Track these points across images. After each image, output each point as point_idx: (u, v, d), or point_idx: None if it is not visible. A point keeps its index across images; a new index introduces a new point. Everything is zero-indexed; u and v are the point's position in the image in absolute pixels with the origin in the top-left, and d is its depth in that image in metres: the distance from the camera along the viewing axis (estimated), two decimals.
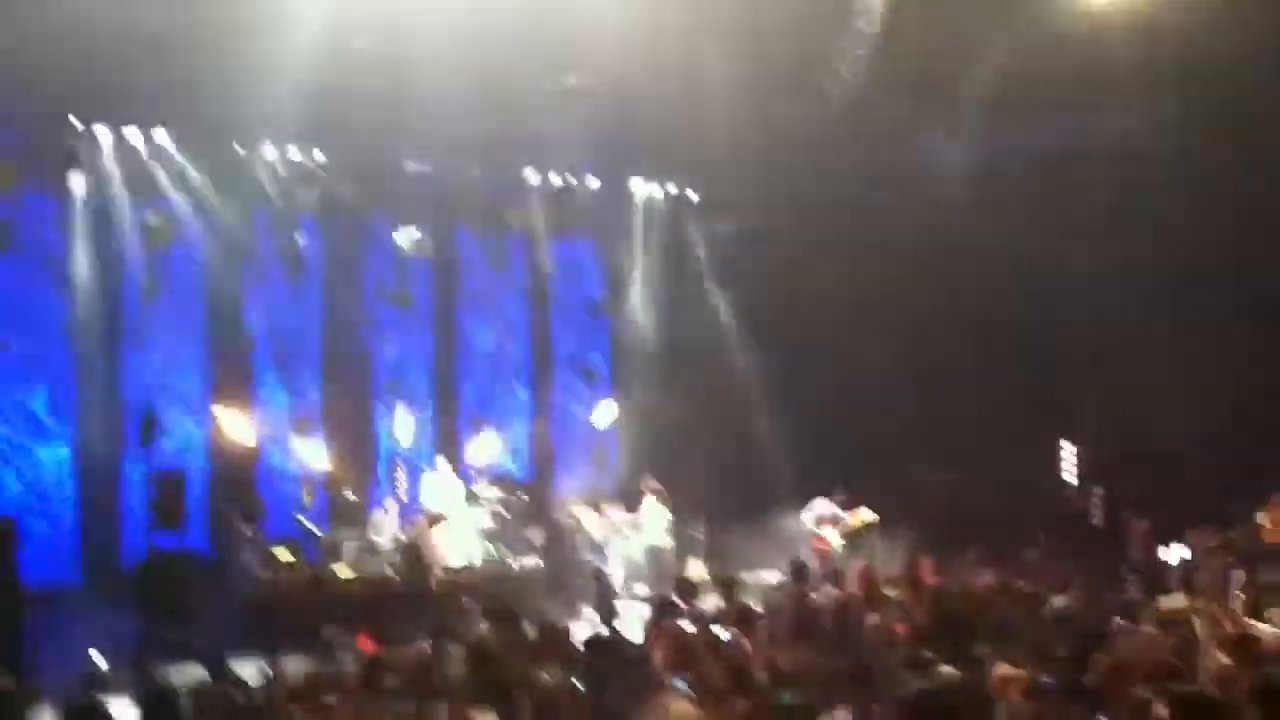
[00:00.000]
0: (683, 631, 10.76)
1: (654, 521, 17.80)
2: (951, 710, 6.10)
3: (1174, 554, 13.92)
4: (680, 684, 7.62)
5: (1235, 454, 16.32)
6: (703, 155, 18.79)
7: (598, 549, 16.96)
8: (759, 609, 12.03)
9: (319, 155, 18.37)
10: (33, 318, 17.20)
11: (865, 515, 17.18)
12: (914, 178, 18.58)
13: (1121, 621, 9.74)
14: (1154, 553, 14.04)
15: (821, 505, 17.35)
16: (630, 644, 11.11)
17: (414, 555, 15.61)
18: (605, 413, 20.39)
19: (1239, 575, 10.81)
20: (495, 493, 17.92)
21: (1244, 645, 8.16)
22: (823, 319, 19.27)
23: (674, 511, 17.86)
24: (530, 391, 21.73)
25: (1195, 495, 16.02)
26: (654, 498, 17.88)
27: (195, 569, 15.37)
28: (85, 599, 15.75)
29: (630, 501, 18.33)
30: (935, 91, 16.99)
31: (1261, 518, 14.98)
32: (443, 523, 16.16)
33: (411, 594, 15.21)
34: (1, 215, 16.33)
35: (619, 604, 12.86)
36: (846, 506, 17.33)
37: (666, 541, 17.71)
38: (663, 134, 18.42)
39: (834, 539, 17.15)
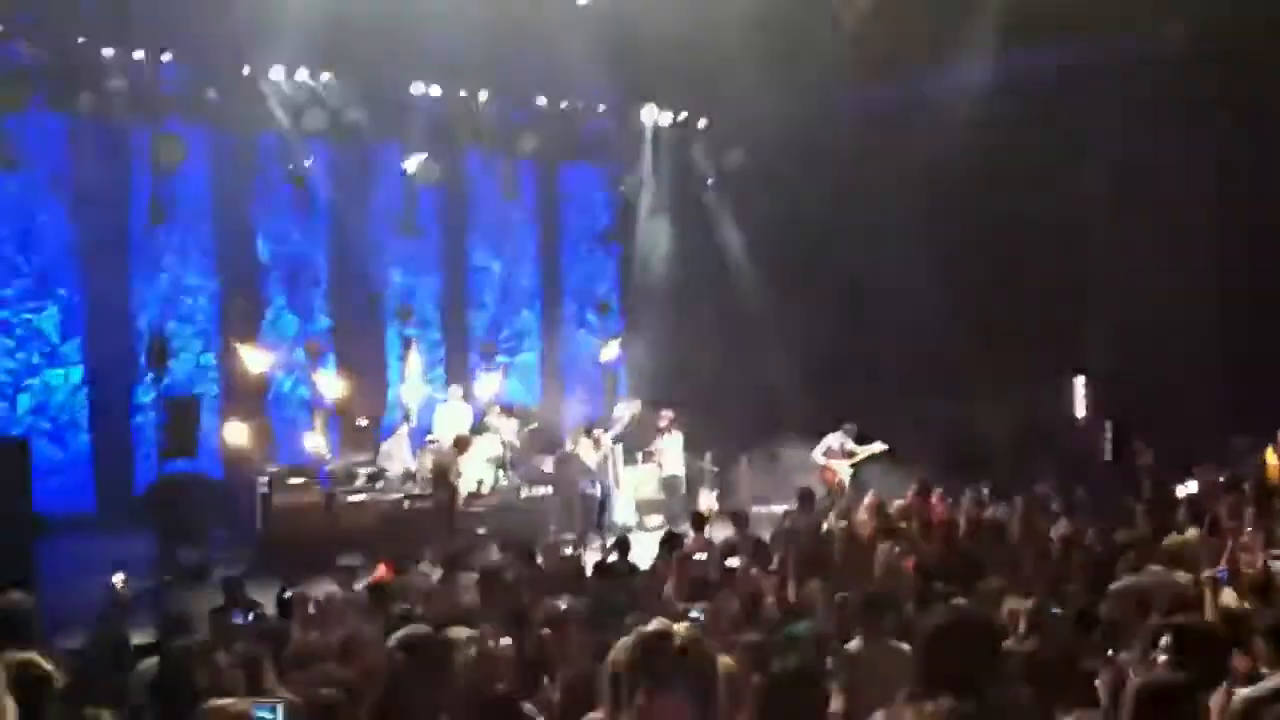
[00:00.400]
0: (695, 562, 10.84)
1: (670, 453, 17.83)
2: (963, 643, 6.10)
3: (1183, 489, 13.91)
4: (695, 614, 7.66)
5: (1245, 389, 16.29)
6: (713, 82, 18.61)
7: (598, 478, 16.86)
8: (770, 541, 12.13)
9: (327, 79, 18.19)
10: (42, 238, 17.19)
11: (875, 446, 17.21)
12: (925, 105, 18.37)
13: (1131, 556, 9.77)
14: (1163, 488, 14.04)
15: (832, 439, 17.37)
16: (641, 573, 11.21)
17: (443, 476, 15.54)
18: (609, 350, 20.34)
19: (1250, 512, 10.80)
20: (505, 421, 17.93)
21: (1256, 581, 8.19)
22: (832, 249, 19.17)
23: (686, 443, 17.89)
24: (540, 320, 21.70)
25: (1204, 431, 16.03)
26: (669, 429, 17.89)
27: (208, 494, 15.46)
28: (98, 524, 15.87)
29: (644, 433, 18.37)
30: (948, 13, 16.73)
31: (1269, 454, 15.00)
32: (469, 446, 16.11)
33: (438, 515, 15.19)
34: (11, 134, 16.21)
35: (630, 535, 12.90)
36: (856, 440, 17.35)
37: (681, 472, 17.76)
38: (673, 60, 18.20)
39: (843, 471, 17.20)
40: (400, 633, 4.30)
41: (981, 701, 4.55)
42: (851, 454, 17.30)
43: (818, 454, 17.34)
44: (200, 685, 5.31)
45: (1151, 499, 13.22)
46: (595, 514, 16.30)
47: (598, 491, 16.53)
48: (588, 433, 16.90)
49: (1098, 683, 5.69)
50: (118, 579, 8.87)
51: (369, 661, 6.87)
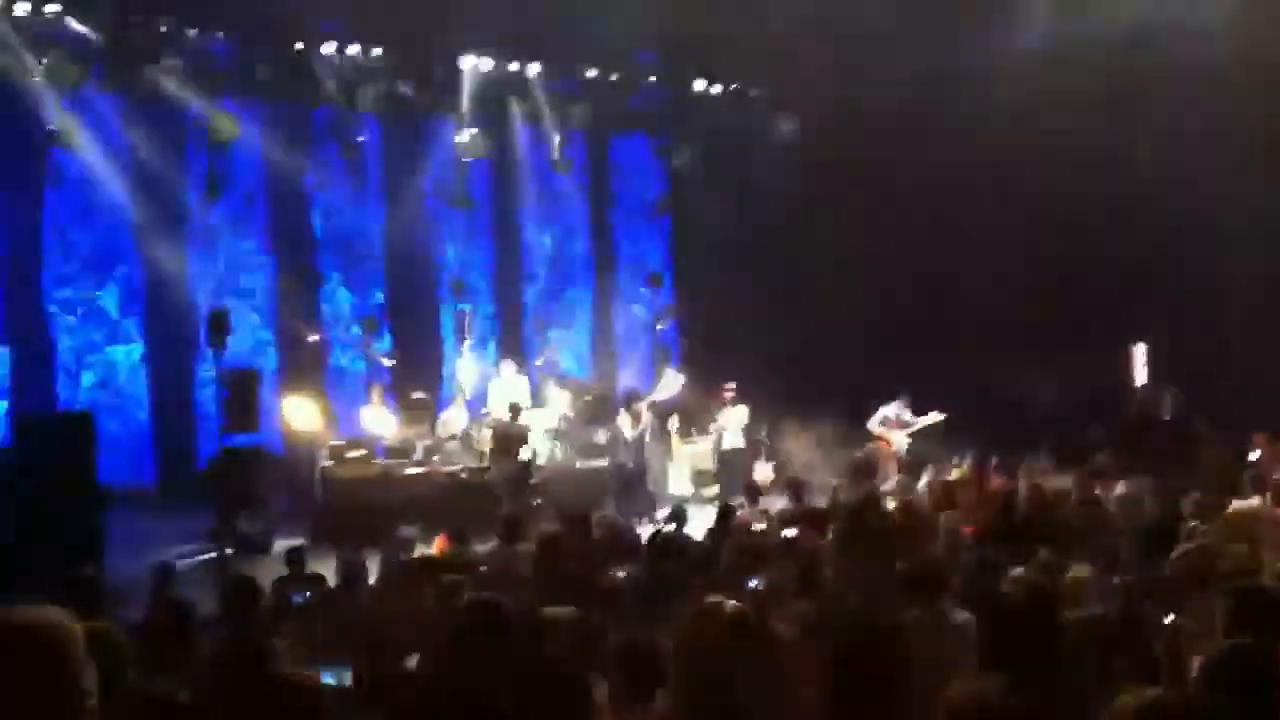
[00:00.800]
0: (751, 533, 10.84)
1: (732, 426, 17.76)
2: (1024, 614, 6.08)
3: (1246, 457, 13.75)
4: (753, 583, 7.66)
5: None
6: (765, 50, 18.48)
7: (633, 452, 16.79)
8: (826, 511, 12.09)
9: (379, 53, 18.25)
10: (101, 216, 17.40)
11: (931, 417, 17.12)
12: (982, 74, 18.14)
13: (1193, 523, 9.67)
14: (1225, 455, 13.87)
15: (888, 409, 17.30)
16: (696, 544, 11.22)
17: (508, 444, 15.59)
18: (661, 322, 20.26)
19: None
20: (559, 393, 18.00)
21: None
22: (887, 218, 19.02)
23: (745, 414, 17.82)
24: (592, 292, 21.72)
25: (1268, 399, 15.80)
26: (731, 402, 17.81)
27: (268, 466, 15.65)
28: (159, 498, 16.12)
29: (696, 406, 18.37)
30: None
31: None
32: (520, 414, 16.15)
33: (506, 485, 15.28)
34: (69, 112, 16.41)
35: (686, 506, 12.90)
36: (913, 410, 17.26)
37: (740, 444, 17.66)
38: (725, 28, 18.10)
39: (899, 441, 17.12)
40: (465, 598, 4.36)
41: (1042, 676, 4.55)
42: (908, 424, 17.22)
43: (874, 423, 17.28)
44: (264, 655, 5.37)
45: (1213, 467, 13.07)
46: (633, 487, 16.25)
47: (632, 464, 16.45)
48: (628, 406, 16.85)
49: (1157, 650, 5.64)
50: (171, 553, 9.02)
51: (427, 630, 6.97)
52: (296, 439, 16.65)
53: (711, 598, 3.94)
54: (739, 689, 3.64)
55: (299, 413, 16.52)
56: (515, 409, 15.96)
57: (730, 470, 17.24)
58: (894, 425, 17.24)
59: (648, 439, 16.85)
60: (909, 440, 17.17)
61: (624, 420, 16.65)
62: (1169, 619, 6.49)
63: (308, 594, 6.23)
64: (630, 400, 16.78)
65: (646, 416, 17.06)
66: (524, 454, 15.71)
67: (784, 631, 5.57)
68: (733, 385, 17.71)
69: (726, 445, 17.63)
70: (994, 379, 17.88)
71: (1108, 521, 10.74)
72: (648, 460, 16.72)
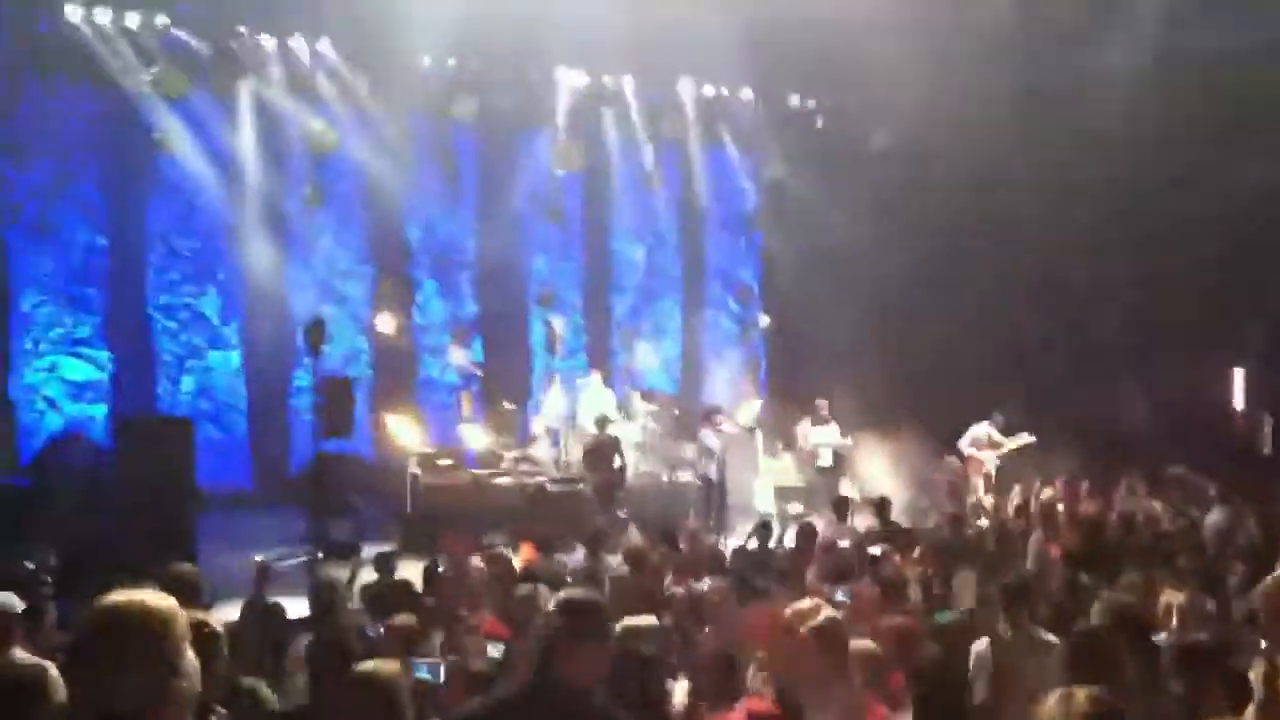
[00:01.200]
0: (837, 548, 10.80)
1: (821, 442, 17.56)
2: (1113, 638, 6.01)
3: None
4: (840, 596, 7.64)
5: None
6: (858, 65, 18.38)
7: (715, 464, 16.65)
8: (913, 528, 12.02)
9: (475, 65, 18.47)
10: (202, 222, 17.79)
11: (1022, 438, 16.88)
12: (1074, 91, 17.90)
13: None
14: None
15: (979, 429, 17.10)
16: (781, 557, 11.21)
17: (599, 455, 15.62)
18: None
19: None
20: (646, 406, 18.03)
21: None
22: (980, 235, 18.82)
23: (836, 432, 17.64)
24: (681, 306, 21.75)
25: None
26: (826, 419, 17.57)
27: (360, 473, 15.86)
28: (254, 501, 16.40)
29: (787, 421, 18.27)
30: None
31: None
32: (607, 426, 16.16)
33: (598, 495, 15.34)
34: (174, 120, 16.82)
35: (771, 521, 12.88)
36: (1004, 430, 17.04)
37: (829, 463, 17.44)
38: (818, 43, 18.04)
39: (990, 462, 16.91)
40: (561, 595, 4.41)
41: (1129, 695, 4.50)
42: (998, 445, 17.01)
43: (965, 443, 17.10)
44: (354, 655, 5.47)
45: None
46: (713, 499, 16.15)
47: (714, 474, 16.32)
48: (708, 420, 16.66)
49: (1250, 676, 5.51)
50: (260, 557, 9.19)
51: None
52: (393, 452, 16.83)
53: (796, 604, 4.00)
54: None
55: (402, 431, 16.74)
56: (603, 421, 15.99)
57: (820, 487, 17.09)
58: (984, 445, 17.04)
59: (729, 455, 16.75)
60: (999, 461, 16.95)
61: (706, 435, 16.52)
62: (1264, 646, 6.36)
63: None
64: (710, 415, 16.62)
65: (729, 431, 16.98)
66: (616, 464, 15.68)
67: (869, 645, 5.54)
68: (825, 403, 17.50)
69: (821, 462, 17.37)
70: (1089, 400, 17.61)
71: (1202, 546, 10.56)
72: (728, 476, 16.53)
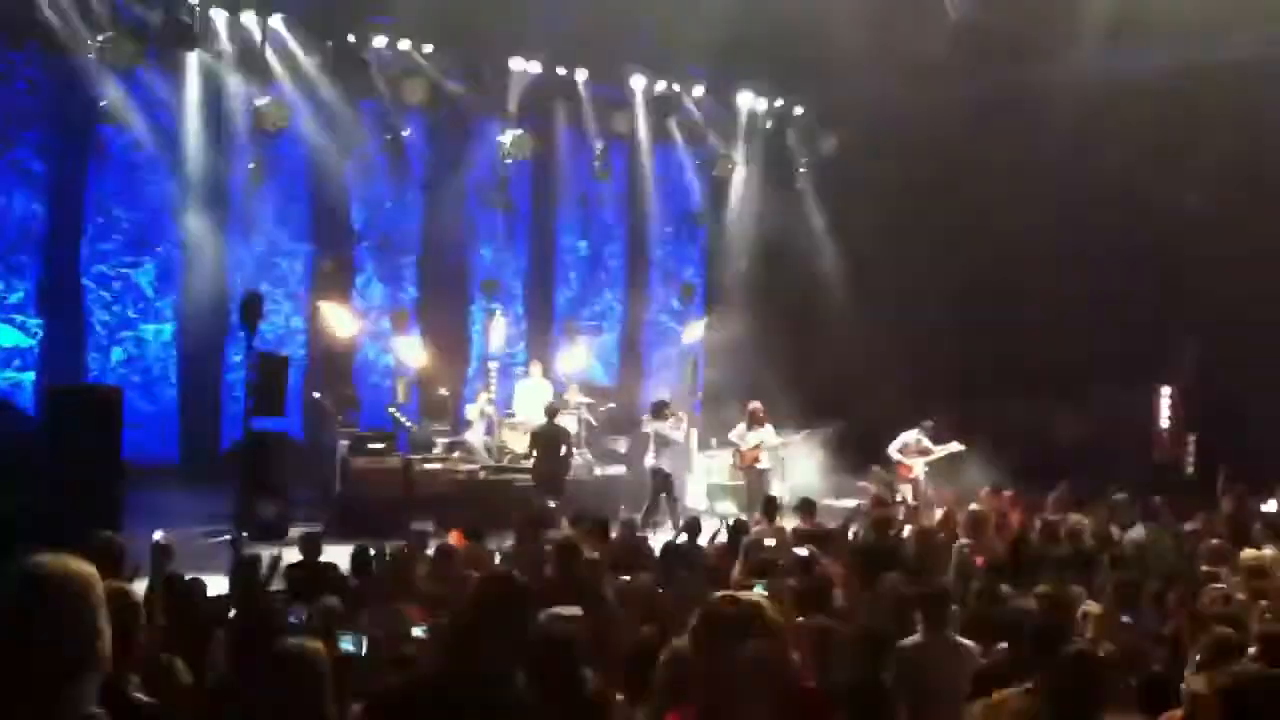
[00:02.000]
0: (765, 547, 10.88)
1: (758, 443, 17.57)
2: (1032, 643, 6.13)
3: (1266, 506, 13.72)
4: (759, 588, 7.71)
5: None
6: (811, 68, 18.54)
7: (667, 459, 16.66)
8: (842, 532, 12.13)
9: (429, 50, 18.39)
10: (144, 194, 17.58)
11: (951, 446, 17.06)
12: (1024, 103, 18.13)
13: (1207, 569, 9.67)
14: (1244, 503, 13.83)
15: (909, 435, 17.25)
16: (708, 554, 11.27)
17: (548, 444, 15.57)
18: (692, 332, 20.29)
19: None
20: (583, 399, 18.06)
21: None
22: (922, 241, 19.04)
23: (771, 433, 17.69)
24: (624, 300, 21.80)
25: None
26: (757, 420, 17.56)
27: (290, 453, 15.75)
28: (182, 477, 16.24)
29: (725, 420, 18.32)
30: (1054, 13, 16.46)
31: None
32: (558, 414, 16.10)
33: (548, 479, 15.33)
34: (120, 91, 16.60)
35: (702, 519, 12.93)
36: (933, 438, 17.21)
37: (765, 464, 17.43)
38: (771, 44, 18.17)
39: (918, 469, 17.08)
40: (482, 576, 4.42)
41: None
42: (928, 451, 17.17)
43: (894, 450, 17.24)
44: (275, 633, 5.46)
45: (1231, 514, 13.04)
46: (666, 491, 16.16)
47: (667, 467, 16.26)
48: (657, 414, 16.58)
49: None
50: (158, 535, 9.09)
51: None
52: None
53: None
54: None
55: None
56: (552, 410, 15.94)
57: (756, 488, 17.09)
58: (914, 452, 17.18)
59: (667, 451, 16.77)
60: (927, 468, 17.13)
61: (661, 427, 16.46)
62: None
63: (307, 615, 6.31)
64: (659, 410, 16.61)
65: (681, 427, 17.00)
66: (563, 452, 15.65)
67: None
68: (760, 405, 17.45)
69: (755, 464, 17.30)
70: (1018, 412, 17.83)
71: (1121, 560, 10.74)
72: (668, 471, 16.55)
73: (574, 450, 16.08)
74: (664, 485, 16.00)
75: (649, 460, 16.30)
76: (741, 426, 16.98)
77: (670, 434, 16.26)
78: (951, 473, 16.92)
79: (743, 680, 3.45)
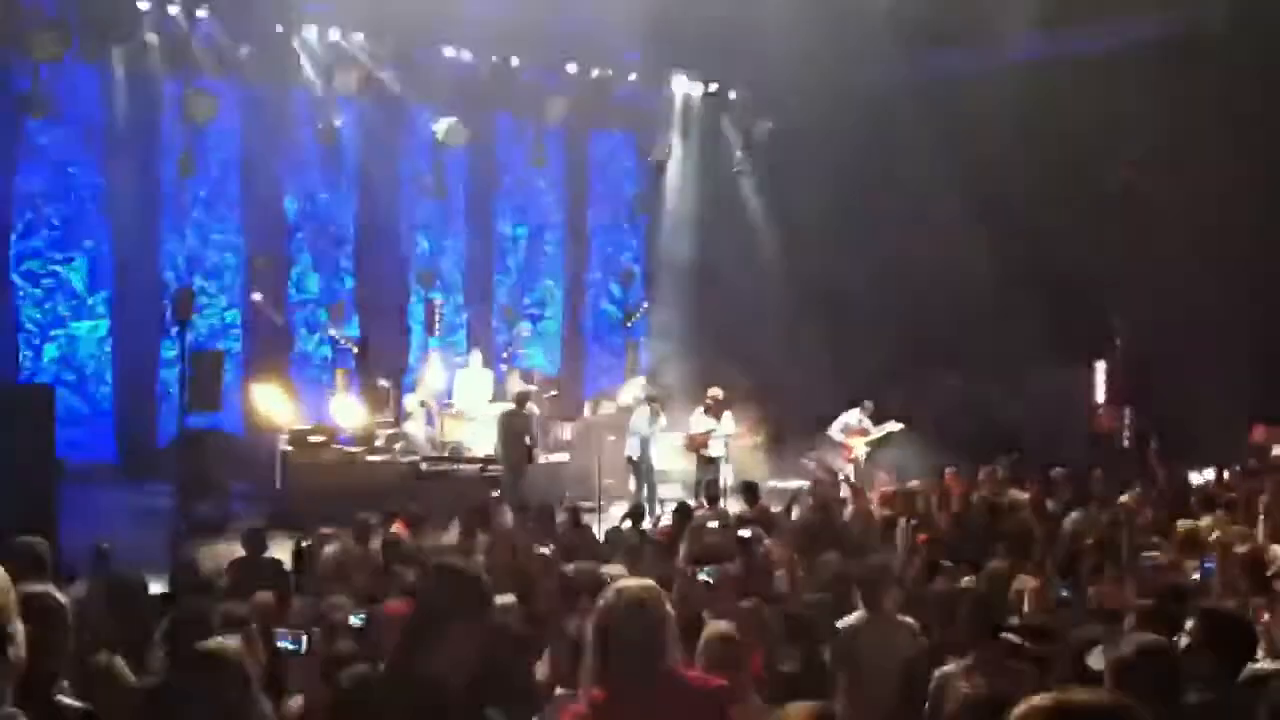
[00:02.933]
0: (708, 531, 10.92)
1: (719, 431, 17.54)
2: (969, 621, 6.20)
3: (1199, 477, 13.97)
4: (704, 575, 7.74)
5: (1273, 380, 16.09)
6: (746, 53, 18.56)
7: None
8: (784, 514, 12.19)
9: (360, 39, 18.23)
10: (72, 189, 17.31)
11: (891, 426, 17.19)
12: (957, 87, 18.27)
13: (1140, 540, 9.82)
14: (1178, 474, 14.06)
15: (850, 415, 17.36)
16: (652, 539, 11.29)
17: (518, 431, 15.51)
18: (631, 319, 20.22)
19: (1263, 500, 10.83)
20: (525, 387, 17.97)
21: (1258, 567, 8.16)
22: (861, 223, 19.14)
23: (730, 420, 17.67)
24: (564, 288, 21.74)
25: (1226, 420, 15.93)
26: (713, 408, 17.52)
27: (229, 448, 15.60)
28: (119, 475, 16.04)
29: (663, 405, 18.30)
30: None
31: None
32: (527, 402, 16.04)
33: (514, 467, 15.31)
34: (45, 84, 16.32)
35: (647, 503, 12.97)
36: (874, 418, 17.32)
37: (719, 451, 17.35)
38: (706, 29, 18.16)
39: (859, 449, 17.20)
40: (436, 562, 4.38)
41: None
42: (866, 432, 17.30)
43: (835, 430, 17.35)
44: (211, 633, 5.41)
45: (1165, 486, 13.24)
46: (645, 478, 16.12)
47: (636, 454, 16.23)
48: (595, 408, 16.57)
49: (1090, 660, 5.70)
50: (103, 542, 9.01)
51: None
52: (261, 425, 16.57)
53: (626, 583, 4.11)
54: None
55: (269, 403, 16.46)
56: (522, 398, 15.86)
57: (702, 474, 17.07)
58: (854, 432, 17.31)
59: (607, 436, 16.78)
60: (868, 448, 17.25)
61: (639, 415, 16.45)
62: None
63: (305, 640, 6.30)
64: (600, 399, 16.63)
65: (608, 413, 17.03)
66: (527, 441, 15.60)
67: (725, 626, 5.63)
68: (720, 391, 17.29)
69: (706, 451, 17.23)
70: (958, 388, 18.01)
71: (1058, 536, 10.87)
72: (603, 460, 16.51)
73: (535, 439, 16.02)
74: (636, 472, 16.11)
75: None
76: (700, 411, 16.92)
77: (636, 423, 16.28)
78: (891, 452, 17.05)
79: None
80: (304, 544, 10.20)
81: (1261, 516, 10.28)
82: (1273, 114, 16.19)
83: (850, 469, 16.91)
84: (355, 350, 18.03)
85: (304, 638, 6.05)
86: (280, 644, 6.01)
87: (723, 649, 5.30)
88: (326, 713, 4.48)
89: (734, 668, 5.19)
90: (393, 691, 3.82)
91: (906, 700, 6.11)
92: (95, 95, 17.03)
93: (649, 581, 4.11)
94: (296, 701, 5.68)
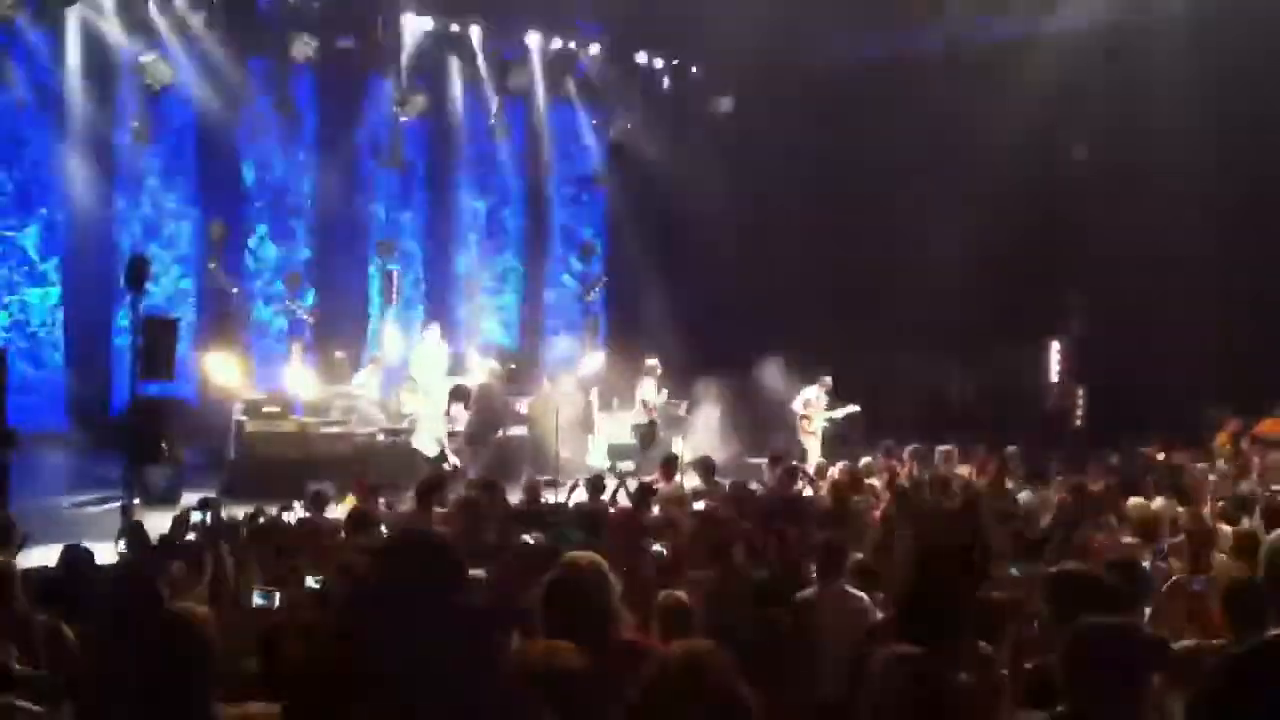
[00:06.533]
0: (667, 504, 10.93)
1: (650, 399, 17.71)
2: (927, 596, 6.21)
3: (1149, 457, 14.11)
4: (657, 547, 7.76)
5: (1227, 361, 16.23)
6: (707, 27, 18.54)
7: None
8: (740, 489, 12.20)
9: (318, 6, 18.04)
10: (25, 154, 17.07)
11: (848, 408, 17.28)
12: (917, 65, 18.32)
13: (1094, 519, 9.91)
14: (1133, 454, 14.20)
15: (809, 391, 17.43)
16: (609, 513, 11.27)
17: (489, 401, 15.50)
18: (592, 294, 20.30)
19: (1214, 483, 10.97)
20: (482, 361, 17.93)
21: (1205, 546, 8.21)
22: (817, 200, 19.19)
23: (664, 390, 17.82)
24: (523, 260, 21.65)
25: (1178, 400, 16.10)
26: (651, 376, 17.73)
27: (181, 417, 15.46)
28: (71, 443, 15.86)
29: (622, 378, 18.36)
30: None
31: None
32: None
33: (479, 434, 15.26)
34: None
35: (603, 477, 12.92)
36: (832, 393, 17.41)
37: (660, 420, 17.62)
38: (668, 4, 18.14)
39: (817, 424, 17.28)
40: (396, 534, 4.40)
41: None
42: (824, 408, 17.38)
43: (796, 405, 17.43)
44: (152, 594, 5.39)
45: (1120, 464, 13.37)
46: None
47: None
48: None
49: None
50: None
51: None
52: (214, 393, 16.43)
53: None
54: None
55: (220, 369, 16.31)
56: (494, 373, 15.89)
57: (649, 445, 17.25)
58: (814, 408, 17.39)
59: (566, 410, 16.79)
60: (826, 424, 17.34)
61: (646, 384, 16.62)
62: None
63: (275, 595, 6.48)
64: (558, 374, 16.64)
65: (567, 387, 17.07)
66: (497, 407, 15.64)
67: (678, 595, 5.67)
68: (655, 360, 17.64)
69: (642, 419, 17.52)
70: (915, 366, 18.10)
71: (1012, 515, 10.96)
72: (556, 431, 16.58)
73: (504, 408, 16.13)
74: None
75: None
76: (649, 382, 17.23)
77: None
78: (852, 430, 17.16)
79: None
80: (259, 513, 10.11)
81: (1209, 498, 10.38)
82: (1235, 94, 16.33)
83: (813, 443, 17.01)
84: (311, 320, 17.90)
85: (276, 594, 6.17)
86: (256, 600, 6.27)
87: (672, 615, 5.38)
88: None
89: (685, 632, 5.25)
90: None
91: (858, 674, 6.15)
92: (49, 59, 16.77)
93: (593, 555, 4.26)
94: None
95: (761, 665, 6.40)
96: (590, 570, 4.12)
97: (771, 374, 17.91)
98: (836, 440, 17.22)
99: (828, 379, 17.43)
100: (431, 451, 15.07)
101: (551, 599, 4.10)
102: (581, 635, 3.94)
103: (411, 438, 15.49)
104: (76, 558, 7.74)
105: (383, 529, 9.16)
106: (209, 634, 4.27)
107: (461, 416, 15.45)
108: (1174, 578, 6.44)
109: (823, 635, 6.75)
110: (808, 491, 12.69)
